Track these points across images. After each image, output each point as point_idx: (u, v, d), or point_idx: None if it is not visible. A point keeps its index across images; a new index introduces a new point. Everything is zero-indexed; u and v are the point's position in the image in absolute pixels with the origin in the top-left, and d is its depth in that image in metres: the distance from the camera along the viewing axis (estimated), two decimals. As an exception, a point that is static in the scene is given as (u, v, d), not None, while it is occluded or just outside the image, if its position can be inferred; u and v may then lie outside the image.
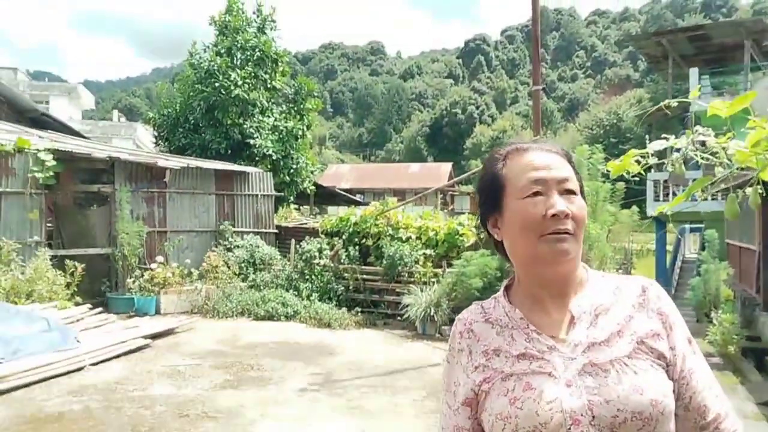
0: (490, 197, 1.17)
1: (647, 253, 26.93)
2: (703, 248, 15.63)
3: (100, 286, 11.26)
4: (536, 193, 1.11)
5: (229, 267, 11.95)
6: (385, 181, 45.43)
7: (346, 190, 28.17)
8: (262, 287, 11.54)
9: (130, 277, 11.05)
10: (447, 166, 48.51)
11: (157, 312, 10.78)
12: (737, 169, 1.85)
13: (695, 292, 11.34)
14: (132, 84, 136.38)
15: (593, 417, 1.01)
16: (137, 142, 32.68)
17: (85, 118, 38.81)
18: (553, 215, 1.08)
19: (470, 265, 9.23)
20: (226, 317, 10.64)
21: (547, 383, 1.05)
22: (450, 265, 10.17)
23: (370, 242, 11.74)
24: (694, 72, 20.73)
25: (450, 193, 34.97)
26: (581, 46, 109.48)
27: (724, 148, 1.84)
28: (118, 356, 7.75)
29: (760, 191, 1.73)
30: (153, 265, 11.20)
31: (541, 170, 1.12)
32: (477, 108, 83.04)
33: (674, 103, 2.03)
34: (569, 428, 1.00)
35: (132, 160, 11.97)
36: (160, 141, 16.87)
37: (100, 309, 10.04)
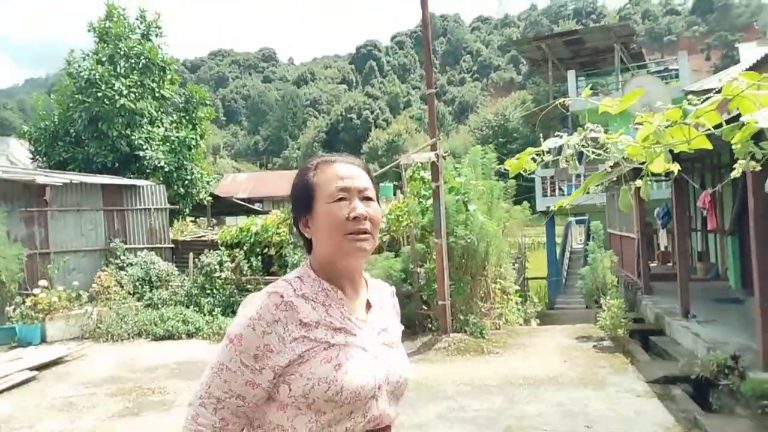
0: (303, 201, 1.37)
1: (538, 246, 28.38)
2: (588, 239, 16.70)
3: (-25, 318, 10.25)
4: (341, 199, 1.33)
5: (122, 286, 11.29)
6: (284, 188, 44.80)
7: (244, 200, 27.48)
8: (159, 305, 10.99)
9: (10, 305, 10.13)
10: (345, 171, 48.56)
11: (43, 340, 9.95)
12: (627, 162, 1.97)
13: (585, 281, 12.06)
14: (3, 96, 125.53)
15: (388, 382, 1.34)
16: (11, 158, 30.06)
17: (-52, 133, 35.30)
18: (355, 217, 1.32)
19: (375, 268, 9.28)
20: (122, 340, 10.02)
21: (363, 355, 1.32)
22: (355, 270, 10.16)
23: (272, 251, 11.52)
24: (571, 74, 22.14)
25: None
26: (467, 51, 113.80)
27: (614, 144, 1.96)
28: (0, 392, 7.09)
29: (649, 183, 1.84)
30: (36, 290, 10.34)
31: (347, 179, 1.36)
32: (372, 113, 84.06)
33: (569, 101, 2.13)
34: (378, 390, 1.31)
35: (6, 177, 11.03)
36: (37, 156, 15.69)
37: (-24, 342, 9.16)
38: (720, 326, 7.33)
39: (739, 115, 1.47)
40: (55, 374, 8.05)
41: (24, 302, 10.13)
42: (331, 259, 1.35)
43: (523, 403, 5.95)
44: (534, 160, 1.91)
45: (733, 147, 1.56)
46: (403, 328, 1.53)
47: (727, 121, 1.52)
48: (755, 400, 4.96)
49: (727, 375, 5.52)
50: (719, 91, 1.50)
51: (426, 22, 8.78)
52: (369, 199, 1.37)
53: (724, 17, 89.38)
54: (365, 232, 1.33)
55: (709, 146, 1.60)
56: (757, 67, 10.90)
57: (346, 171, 1.37)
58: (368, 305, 1.41)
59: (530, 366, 7.38)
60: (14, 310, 10.02)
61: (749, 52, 18.37)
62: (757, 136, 1.49)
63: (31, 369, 7.85)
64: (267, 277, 11.13)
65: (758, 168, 1.55)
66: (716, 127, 1.53)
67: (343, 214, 1.32)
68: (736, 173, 1.71)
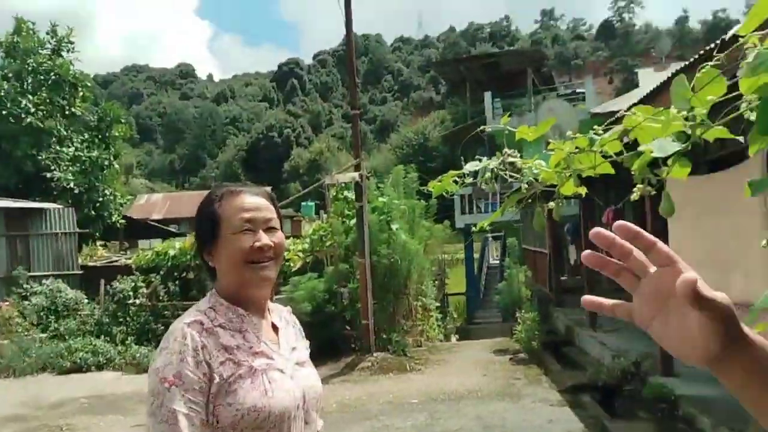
0: (208, 230, 1.39)
1: (456, 263, 28.96)
2: (504, 254, 17.24)
3: None
4: (246, 230, 1.36)
5: (25, 317, 10.59)
6: (203, 208, 43.52)
7: (159, 221, 26.54)
8: (67, 336, 10.38)
9: None
10: (266, 191, 47.85)
11: (-65, 378, 9.18)
12: (540, 184, 2.07)
13: (502, 296, 12.44)
14: None
15: (304, 400, 1.38)
16: None
17: None
18: (259, 248, 1.35)
19: (298, 290, 9.18)
20: (25, 375, 9.37)
21: (282, 377, 1.35)
22: (278, 293, 10.00)
23: (191, 275, 11.16)
24: (487, 95, 22.93)
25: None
26: (388, 71, 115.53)
27: (529, 168, 2.05)
28: None
29: (561, 205, 1.94)
30: (-74, 323, 9.54)
31: (251, 211, 1.39)
32: (293, 131, 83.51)
33: (488, 129, 2.21)
34: (297, 409, 1.34)
35: None
36: (-70, 177, 14.53)
37: None
38: (624, 334, 7.68)
39: (636, 144, 1.58)
40: (-51, 414, 7.40)
41: None
42: (236, 287, 1.39)
43: (444, 418, 6.04)
44: (455, 182, 1.96)
45: (633, 173, 1.68)
46: (308, 344, 1.56)
47: (627, 150, 1.64)
48: (655, 403, 5.26)
49: (630, 380, 5.84)
50: (619, 120, 1.62)
51: (350, 44, 8.89)
52: (273, 228, 1.41)
53: (625, 43, 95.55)
54: (269, 259, 1.37)
55: (612, 172, 1.70)
56: (655, 93, 11.68)
57: (250, 202, 1.40)
58: (274, 327, 1.46)
59: (451, 381, 7.51)
60: None
61: (647, 76, 19.93)
62: (653, 164, 1.60)
63: None
64: (185, 302, 10.74)
65: (653, 192, 1.67)
66: (618, 154, 1.64)
67: (247, 245, 1.35)
68: (635, 196, 1.83)
